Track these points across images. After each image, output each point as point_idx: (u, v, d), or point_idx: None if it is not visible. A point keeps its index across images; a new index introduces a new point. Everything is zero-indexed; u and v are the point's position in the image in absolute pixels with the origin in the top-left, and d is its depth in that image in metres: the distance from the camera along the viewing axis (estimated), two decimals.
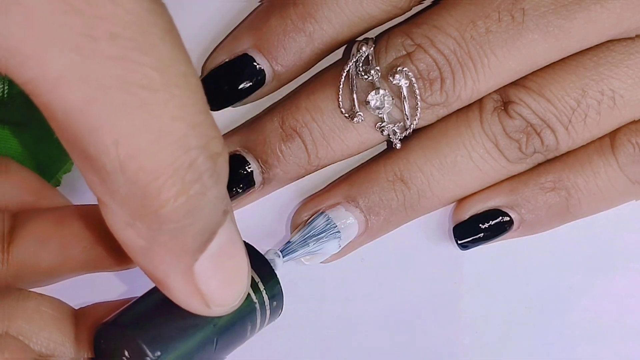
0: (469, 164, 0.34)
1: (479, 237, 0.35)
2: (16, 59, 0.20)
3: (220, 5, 0.35)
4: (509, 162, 0.34)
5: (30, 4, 0.20)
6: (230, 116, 0.35)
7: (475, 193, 0.35)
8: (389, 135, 0.34)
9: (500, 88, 0.33)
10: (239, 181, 0.34)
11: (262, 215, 0.36)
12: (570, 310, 0.37)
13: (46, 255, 0.29)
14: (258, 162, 0.34)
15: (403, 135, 0.34)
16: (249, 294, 0.27)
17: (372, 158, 0.36)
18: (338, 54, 0.35)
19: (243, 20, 0.35)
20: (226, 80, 0.34)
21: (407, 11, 0.34)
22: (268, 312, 0.28)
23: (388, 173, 0.34)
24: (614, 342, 0.37)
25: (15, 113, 0.33)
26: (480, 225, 0.35)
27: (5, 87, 0.33)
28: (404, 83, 0.32)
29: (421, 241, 0.36)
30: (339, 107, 0.33)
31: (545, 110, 0.33)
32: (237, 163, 0.34)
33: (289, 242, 0.33)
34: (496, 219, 0.35)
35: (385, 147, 0.36)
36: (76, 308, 0.29)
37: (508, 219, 0.35)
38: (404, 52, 0.33)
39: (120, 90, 0.21)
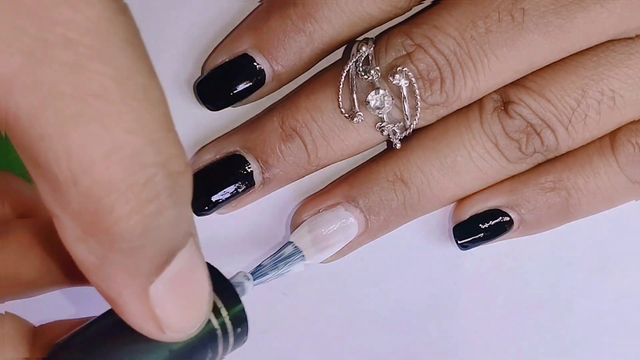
0: (469, 164, 0.34)
1: (479, 237, 0.35)
2: None
3: (220, 5, 0.35)
4: (509, 162, 0.34)
5: None
6: (230, 116, 0.35)
7: (475, 193, 0.35)
8: (389, 135, 0.34)
9: (500, 88, 0.33)
10: (239, 181, 0.34)
11: (262, 215, 0.36)
12: (570, 310, 0.37)
13: (27, 266, 0.28)
14: (258, 162, 0.34)
15: (403, 135, 0.34)
16: (209, 320, 0.26)
17: (372, 158, 0.36)
18: (338, 54, 0.35)
19: (243, 20, 0.35)
20: (226, 80, 0.34)
21: (407, 11, 0.34)
22: (231, 338, 0.27)
23: (388, 173, 0.34)
24: (614, 342, 0.37)
25: None
26: (480, 225, 0.35)
27: None
28: (404, 83, 0.32)
29: (421, 241, 0.36)
30: (339, 107, 0.33)
31: (545, 110, 0.33)
32: (237, 163, 0.34)
33: (259, 265, 0.32)
34: (496, 219, 0.35)
35: (385, 147, 0.36)
36: (37, 325, 0.28)
37: (508, 219, 0.35)
38: (404, 52, 0.33)
39: (74, 98, 0.20)
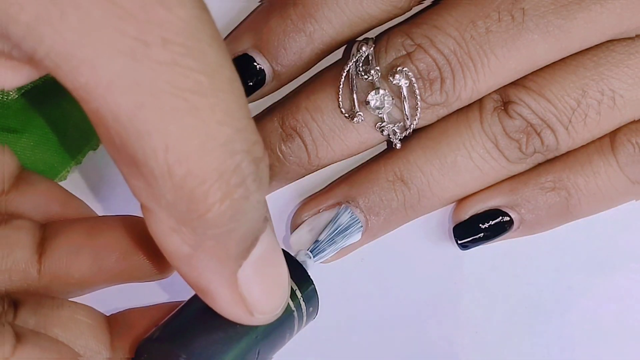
0: (469, 164, 0.34)
1: (479, 237, 0.35)
2: (69, 64, 0.20)
3: (220, 5, 0.35)
4: (509, 162, 0.34)
5: (85, 8, 0.20)
6: None
7: (475, 193, 0.35)
8: (389, 135, 0.34)
9: (500, 88, 0.33)
10: None
11: None
12: (570, 310, 0.37)
13: (78, 266, 0.29)
14: None
15: (403, 135, 0.34)
16: (287, 302, 0.27)
17: (372, 158, 0.36)
18: (338, 54, 0.35)
19: (243, 20, 0.35)
20: None
21: (407, 11, 0.34)
22: (304, 317, 0.28)
23: (388, 173, 0.34)
24: (614, 342, 0.37)
25: (11, 120, 0.33)
26: (480, 225, 0.35)
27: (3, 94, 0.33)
28: (404, 83, 0.32)
29: (421, 241, 0.36)
30: (339, 107, 0.33)
31: (545, 110, 0.33)
32: None
33: (317, 241, 0.33)
34: (496, 219, 0.35)
35: (385, 147, 0.36)
36: (107, 315, 0.29)
37: (508, 219, 0.35)
38: (404, 52, 0.33)
39: (171, 95, 0.21)
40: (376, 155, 0.36)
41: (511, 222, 0.35)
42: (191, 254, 0.23)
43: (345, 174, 0.36)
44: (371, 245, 0.35)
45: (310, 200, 0.35)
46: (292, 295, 0.27)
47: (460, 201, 0.35)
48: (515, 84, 0.33)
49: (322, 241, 0.33)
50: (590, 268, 0.37)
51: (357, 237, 0.34)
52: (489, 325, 0.36)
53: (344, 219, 0.33)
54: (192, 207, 0.22)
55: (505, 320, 0.36)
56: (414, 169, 0.34)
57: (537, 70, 0.33)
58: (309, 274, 0.29)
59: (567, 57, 0.33)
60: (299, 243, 0.34)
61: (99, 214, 0.33)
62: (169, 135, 0.21)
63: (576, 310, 0.37)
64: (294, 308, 0.27)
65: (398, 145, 0.34)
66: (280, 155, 0.34)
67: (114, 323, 0.29)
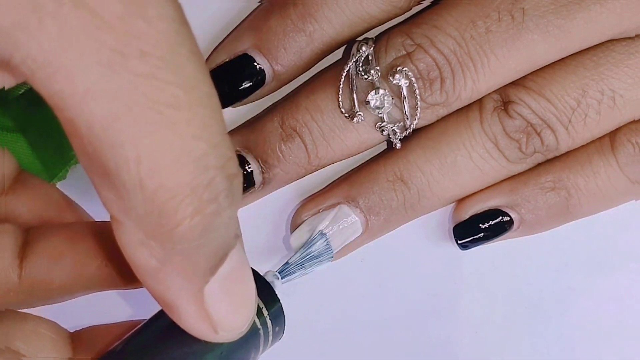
0: (469, 164, 0.34)
1: (479, 237, 0.35)
2: (45, 71, 0.20)
3: (220, 5, 0.35)
4: (509, 162, 0.34)
5: (64, 17, 0.20)
6: (230, 116, 0.35)
7: (475, 193, 0.35)
8: (389, 135, 0.34)
9: (500, 88, 0.33)
10: None
11: (262, 215, 0.36)
12: (570, 310, 0.37)
13: (59, 272, 0.28)
14: (258, 162, 0.34)
15: (403, 135, 0.34)
16: (253, 320, 0.27)
17: (372, 158, 0.36)
18: (338, 54, 0.35)
19: (243, 20, 0.35)
20: (226, 80, 0.34)
21: (407, 11, 0.34)
22: (270, 336, 0.28)
23: (388, 173, 0.34)
24: (614, 342, 0.37)
25: (11, 119, 0.33)
26: (480, 225, 0.35)
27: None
28: (403, 83, 0.32)
29: (421, 241, 0.36)
30: (339, 107, 0.33)
31: (545, 110, 0.33)
32: None
33: (287, 263, 0.33)
34: (496, 219, 0.35)
35: (385, 147, 0.36)
36: (71, 331, 0.29)
37: (508, 218, 0.35)
38: (404, 52, 0.33)
39: (147, 107, 0.21)
40: (376, 155, 0.36)
41: (511, 222, 0.35)
42: (158, 268, 0.23)
43: (345, 174, 0.36)
44: (371, 245, 0.35)
45: (310, 200, 0.35)
46: (259, 313, 0.27)
47: (460, 201, 0.35)
48: (515, 83, 0.33)
49: (292, 264, 0.33)
50: (590, 268, 0.37)
51: (325, 265, 0.34)
52: (489, 325, 0.36)
53: (318, 246, 0.33)
54: (162, 221, 0.22)
55: (505, 320, 0.36)
56: (414, 169, 0.34)
57: (537, 70, 0.33)
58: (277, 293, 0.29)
59: (567, 57, 0.33)
60: (299, 243, 0.34)
61: (97, 214, 0.33)
62: (142, 147, 0.21)
63: (576, 310, 0.37)
64: (260, 326, 0.27)
65: (398, 145, 0.34)
66: (280, 155, 0.34)
67: (77, 339, 0.28)
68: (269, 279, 0.30)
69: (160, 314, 0.26)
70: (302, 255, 0.33)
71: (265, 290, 0.28)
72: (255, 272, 0.27)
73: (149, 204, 0.21)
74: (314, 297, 0.36)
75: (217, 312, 0.24)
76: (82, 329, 0.29)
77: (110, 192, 0.22)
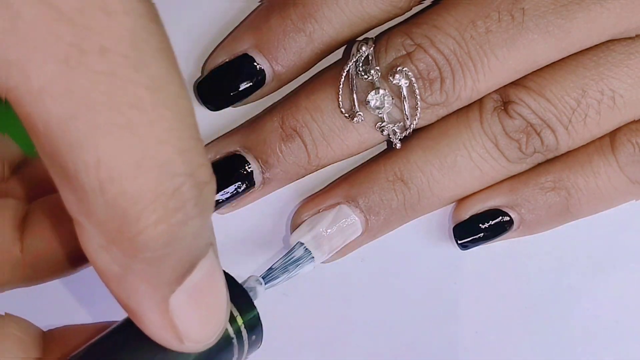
0: (469, 164, 0.34)
1: (479, 237, 0.35)
2: None
3: (220, 5, 0.35)
4: (509, 162, 0.34)
5: (17, 8, 0.19)
6: (230, 116, 0.35)
7: (475, 193, 0.35)
8: (389, 135, 0.34)
9: (500, 88, 0.33)
10: (239, 181, 0.34)
11: (262, 215, 0.36)
12: (570, 310, 0.37)
13: (62, 240, 0.27)
14: (258, 162, 0.34)
15: (403, 135, 0.34)
16: (226, 329, 0.26)
17: (372, 158, 0.36)
18: (338, 54, 0.35)
19: (243, 20, 0.35)
20: (226, 80, 0.34)
21: (407, 11, 0.34)
22: (246, 346, 0.27)
23: (388, 173, 0.34)
24: (614, 342, 0.37)
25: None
26: (480, 225, 0.35)
27: None
28: (403, 83, 0.32)
29: (421, 241, 0.36)
30: (339, 107, 0.33)
31: (545, 110, 0.33)
32: (237, 163, 0.34)
33: (270, 268, 0.32)
34: (496, 219, 0.35)
35: (385, 147, 0.36)
36: (45, 330, 0.27)
37: (508, 218, 0.35)
38: (404, 52, 0.33)
39: (107, 107, 0.19)
40: (376, 155, 0.36)
41: (511, 222, 0.35)
42: (121, 275, 0.22)
43: (345, 174, 0.36)
44: (371, 245, 0.35)
45: (310, 200, 0.35)
46: (233, 322, 0.26)
47: (460, 201, 0.35)
48: (515, 83, 0.33)
49: (276, 269, 0.32)
50: (590, 268, 0.37)
51: (308, 268, 0.33)
52: (489, 325, 0.36)
53: (298, 253, 0.33)
54: (124, 228, 0.20)
55: (505, 320, 0.36)
56: (414, 169, 0.34)
57: (537, 70, 0.33)
58: (256, 301, 0.28)
59: (567, 57, 0.33)
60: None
61: None
62: (101, 150, 0.20)
63: (576, 310, 0.37)
64: (233, 335, 0.26)
65: (398, 145, 0.34)
66: (280, 155, 0.34)
67: (49, 339, 0.27)
68: (251, 284, 0.30)
69: (128, 319, 0.25)
70: (284, 260, 0.33)
71: (241, 298, 0.27)
72: (231, 279, 0.26)
73: (109, 210, 0.20)
74: (313, 297, 0.36)
75: (183, 323, 0.23)
76: (55, 328, 0.27)
77: (70, 193, 0.21)
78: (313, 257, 0.33)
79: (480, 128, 0.33)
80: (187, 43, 0.35)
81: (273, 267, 0.32)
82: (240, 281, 0.28)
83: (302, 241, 0.34)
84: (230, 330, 0.26)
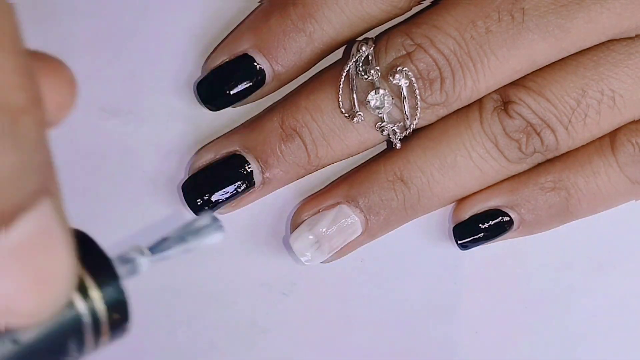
0: (469, 164, 0.34)
1: (479, 237, 0.35)
2: None
3: (220, 5, 0.35)
4: (508, 162, 0.34)
5: None
6: (230, 116, 0.35)
7: (475, 193, 0.35)
8: (389, 135, 0.34)
9: (500, 88, 0.33)
10: (239, 181, 0.34)
11: (262, 215, 0.36)
12: (570, 310, 0.37)
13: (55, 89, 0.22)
14: (258, 162, 0.34)
15: (403, 135, 0.34)
16: (73, 304, 0.21)
17: (372, 158, 0.36)
18: (338, 54, 0.35)
19: (243, 20, 0.35)
20: (226, 81, 0.34)
21: (407, 11, 0.34)
22: (103, 326, 0.22)
23: (388, 173, 0.34)
24: (614, 342, 0.37)
25: None
26: (480, 225, 0.35)
27: None
28: (403, 83, 0.32)
29: (421, 241, 0.36)
30: (338, 107, 0.33)
31: (545, 110, 0.33)
32: (237, 163, 0.34)
33: (163, 238, 0.24)
34: (496, 219, 0.35)
35: (385, 147, 0.36)
36: None
37: (508, 219, 0.35)
38: (404, 52, 0.33)
39: None
40: (376, 155, 0.36)
41: (511, 222, 0.35)
42: None
43: (345, 174, 0.36)
44: (371, 245, 0.35)
45: (310, 200, 0.35)
46: (85, 296, 0.21)
47: (460, 201, 0.35)
48: (515, 83, 0.33)
49: (170, 238, 0.24)
50: (590, 268, 0.37)
51: (214, 239, 0.25)
52: (489, 325, 0.36)
53: (203, 222, 0.24)
54: None
55: (505, 320, 0.36)
56: (414, 168, 0.34)
57: (537, 70, 0.33)
58: (135, 274, 0.23)
59: (567, 57, 0.33)
60: (299, 244, 0.34)
61: (97, 213, 0.32)
62: None
63: (576, 310, 0.37)
64: (84, 311, 0.21)
65: (398, 145, 0.34)
66: (280, 155, 0.34)
67: None
68: (130, 255, 0.23)
69: None
70: (184, 229, 0.25)
71: (102, 267, 0.22)
72: (90, 242, 0.22)
73: None
74: (313, 296, 0.36)
75: (1, 290, 0.18)
76: None
77: None
78: (221, 226, 0.25)
79: (480, 128, 0.33)
80: (187, 43, 0.35)
81: (167, 236, 0.25)
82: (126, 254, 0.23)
83: (302, 241, 0.34)
84: (81, 306, 0.21)
